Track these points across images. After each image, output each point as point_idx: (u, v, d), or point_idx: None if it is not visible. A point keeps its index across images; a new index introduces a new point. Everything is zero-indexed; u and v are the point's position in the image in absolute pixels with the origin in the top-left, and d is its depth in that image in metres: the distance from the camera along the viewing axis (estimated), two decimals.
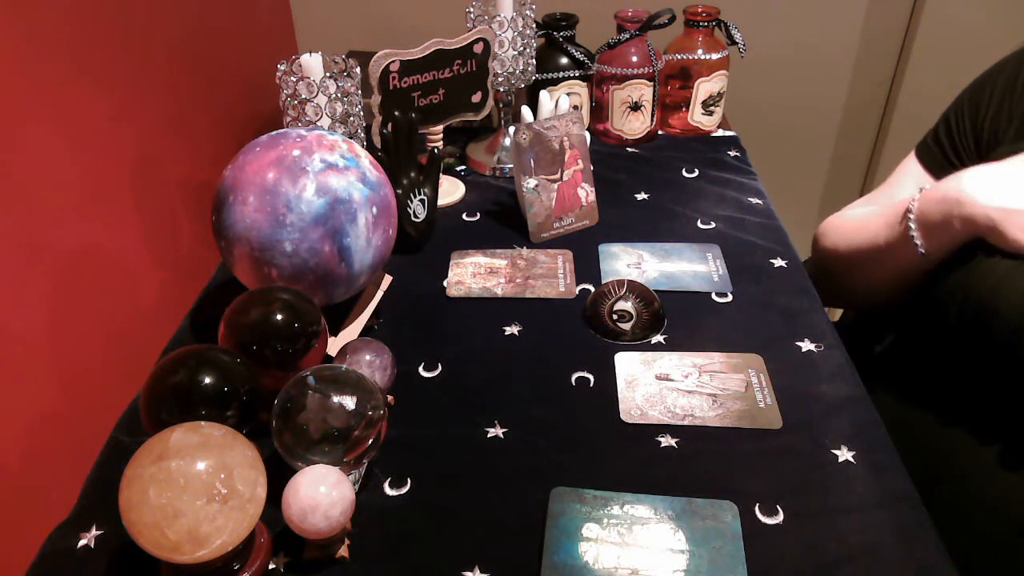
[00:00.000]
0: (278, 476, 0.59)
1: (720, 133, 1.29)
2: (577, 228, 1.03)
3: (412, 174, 0.96)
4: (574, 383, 0.78)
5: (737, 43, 1.18)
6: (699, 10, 1.19)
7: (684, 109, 1.26)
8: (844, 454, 0.69)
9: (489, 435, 0.72)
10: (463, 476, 0.68)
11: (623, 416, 0.74)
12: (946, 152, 0.85)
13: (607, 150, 1.23)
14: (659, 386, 0.77)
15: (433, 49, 1.01)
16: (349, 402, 0.60)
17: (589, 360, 0.81)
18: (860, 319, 1.00)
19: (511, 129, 1.11)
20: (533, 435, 0.72)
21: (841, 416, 0.73)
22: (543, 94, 1.06)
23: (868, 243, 0.86)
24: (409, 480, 0.68)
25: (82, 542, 0.64)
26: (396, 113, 0.95)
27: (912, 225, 0.78)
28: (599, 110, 1.24)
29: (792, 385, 0.77)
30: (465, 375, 0.80)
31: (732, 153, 1.22)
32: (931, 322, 0.78)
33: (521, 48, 1.09)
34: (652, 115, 1.22)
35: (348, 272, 0.76)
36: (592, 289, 0.90)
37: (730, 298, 0.90)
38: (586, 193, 1.02)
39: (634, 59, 1.17)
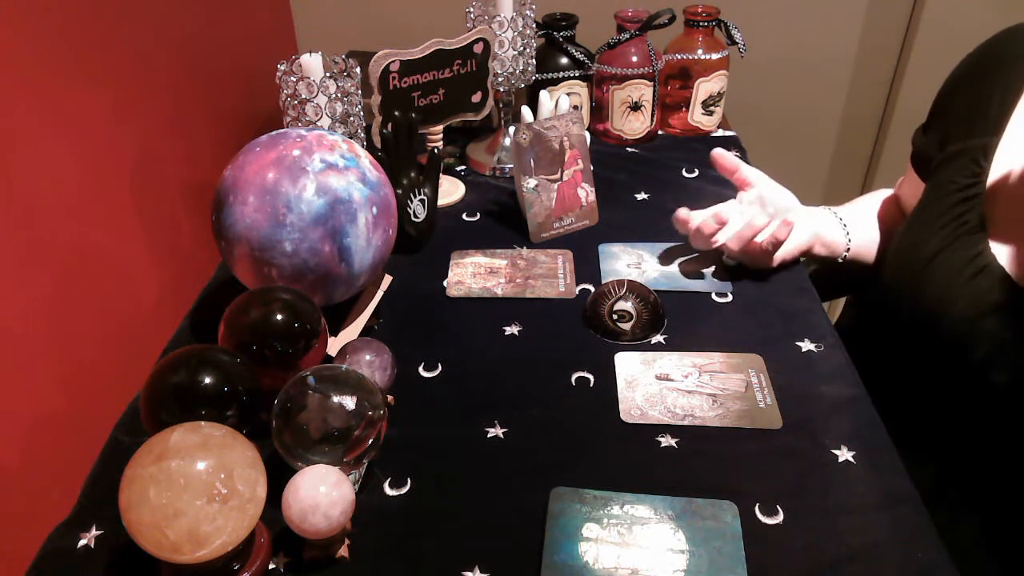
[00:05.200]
0: (278, 476, 0.59)
1: (720, 133, 1.28)
2: (577, 228, 1.03)
3: (412, 174, 0.96)
4: (574, 383, 0.78)
5: (737, 43, 1.18)
6: (699, 10, 1.19)
7: (684, 109, 1.26)
8: (844, 454, 0.69)
9: (489, 435, 0.72)
10: (463, 476, 0.68)
11: (623, 416, 0.74)
12: (921, 155, 0.87)
13: (607, 150, 1.23)
14: (659, 386, 0.77)
15: (433, 49, 1.01)
16: (349, 402, 0.60)
17: (589, 360, 0.81)
18: (860, 319, 1.00)
19: (511, 129, 1.11)
20: (533, 435, 0.72)
21: (841, 416, 0.73)
22: (543, 94, 1.06)
23: None
24: (409, 480, 0.68)
25: (82, 542, 0.64)
26: (396, 113, 0.95)
27: None
28: (599, 110, 1.24)
29: (792, 385, 0.77)
30: (465, 375, 0.80)
31: (732, 153, 1.22)
32: (886, 318, 0.79)
33: (521, 48, 1.09)
34: (652, 115, 1.22)
35: (348, 272, 0.76)
36: (592, 289, 0.90)
37: (730, 298, 0.89)
38: (586, 193, 1.02)
39: (634, 59, 1.17)
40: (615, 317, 0.84)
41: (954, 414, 0.75)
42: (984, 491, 0.73)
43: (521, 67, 1.11)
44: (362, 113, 0.97)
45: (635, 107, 1.20)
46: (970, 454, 0.75)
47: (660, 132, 1.28)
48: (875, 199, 0.97)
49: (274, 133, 0.77)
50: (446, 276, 0.94)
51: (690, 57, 1.20)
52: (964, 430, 0.75)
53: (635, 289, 0.86)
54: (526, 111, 1.03)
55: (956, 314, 0.70)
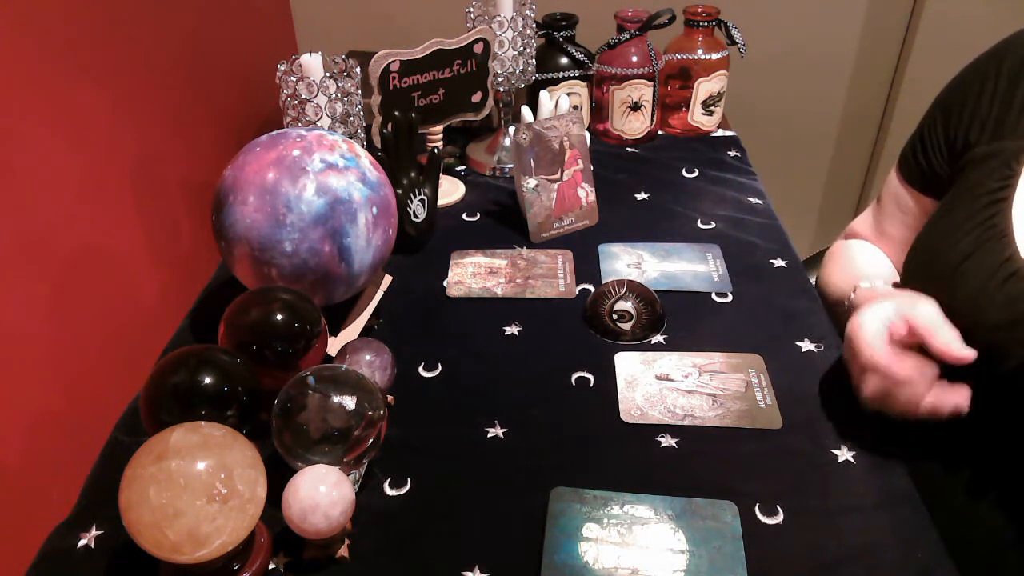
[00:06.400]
0: (278, 476, 0.59)
1: (720, 133, 1.28)
2: (577, 228, 1.03)
3: (412, 174, 0.96)
4: (574, 383, 0.78)
5: (737, 43, 1.18)
6: (699, 10, 1.20)
7: (684, 109, 1.26)
8: (844, 454, 0.69)
9: (489, 435, 0.72)
10: (463, 476, 0.68)
11: (623, 416, 0.74)
12: (921, 165, 0.83)
13: (607, 150, 1.23)
14: (659, 386, 0.77)
15: (433, 49, 1.01)
16: (349, 402, 0.60)
17: (589, 360, 0.81)
18: None
19: (511, 129, 1.11)
20: (533, 435, 0.72)
21: (841, 416, 0.73)
22: (543, 94, 1.06)
23: (833, 294, 0.87)
24: (409, 480, 0.68)
25: (82, 542, 0.64)
26: (396, 113, 0.95)
27: (847, 304, 0.80)
28: (599, 110, 1.24)
29: (792, 385, 0.77)
30: (465, 375, 0.80)
31: (732, 153, 1.22)
32: None
33: (521, 48, 1.09)
34: (652, 115, 1.22)
35: (348, 272, 0.76)
36: (592, 289, 0.90)
37: (730, 298, 0.89)
38: (586, 193, 1.02)
39: (634, 59, 1.17)
40: (615, 317, 0.84)
41: (979, 420, 0.73)
42: (1010, 496, 0.72)
43: (521, 67, 1.11)
44: (362, 113, 0.97)
45: (635, 107, 1.20)
46: (998, 459, 0.73)
47: (660, 132, 1.28)
48: (863, 250, 0.88)
49: (274, 133, 0.77)
50: (446, 276, 0.94)
51: (690, 57, 1.20)
52: (991, 436, 0.73)
53: (635, 289, 0.86)
54: (526, 111, 1.03)
55: (988, 322, 0.67)
